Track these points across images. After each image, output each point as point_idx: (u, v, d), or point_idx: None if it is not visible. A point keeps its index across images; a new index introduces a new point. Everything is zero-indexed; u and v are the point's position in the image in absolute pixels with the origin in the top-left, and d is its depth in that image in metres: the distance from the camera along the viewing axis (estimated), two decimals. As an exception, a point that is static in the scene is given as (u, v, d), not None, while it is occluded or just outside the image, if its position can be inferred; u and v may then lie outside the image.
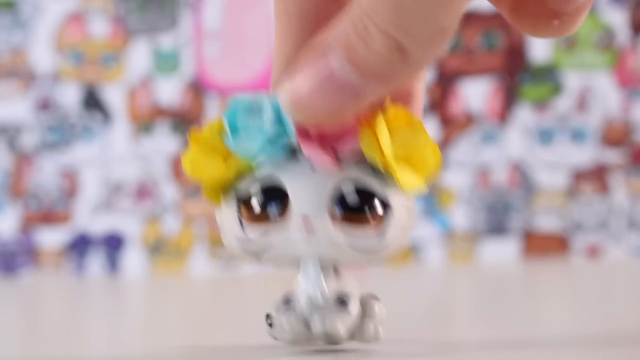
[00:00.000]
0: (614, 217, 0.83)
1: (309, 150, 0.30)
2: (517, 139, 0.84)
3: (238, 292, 0.65)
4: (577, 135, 0.84)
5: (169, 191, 0.84)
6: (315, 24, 0.30)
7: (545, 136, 0.84)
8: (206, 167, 0.31)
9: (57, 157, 0.84)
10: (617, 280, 0.64)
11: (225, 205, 0.31)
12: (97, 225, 0.84)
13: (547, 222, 0.83)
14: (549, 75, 0.84)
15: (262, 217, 0.30)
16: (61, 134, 0.84)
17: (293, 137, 0.30)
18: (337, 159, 0.30)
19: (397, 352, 0.32)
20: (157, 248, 0.84)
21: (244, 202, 0.31)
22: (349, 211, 0.30)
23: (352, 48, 0.27)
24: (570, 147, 0.84)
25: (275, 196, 0.30)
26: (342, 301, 0.31)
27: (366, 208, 0.30)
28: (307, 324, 0.31)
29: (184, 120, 0.84)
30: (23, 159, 0.84)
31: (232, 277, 0.78)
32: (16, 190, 0.84)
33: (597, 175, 0.84)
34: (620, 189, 0.84)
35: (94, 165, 0.84)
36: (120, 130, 0.84)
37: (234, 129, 0.30)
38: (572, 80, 0.84)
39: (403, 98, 0.32)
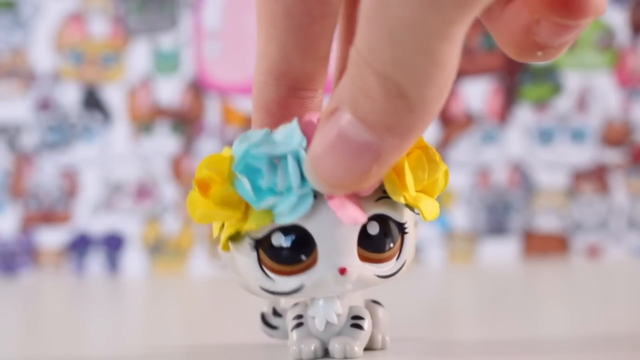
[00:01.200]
0: (613, 217, 0.83)
1: (337, 209, 0.29)
2: (517, 139, 0.84)
3: (237, 292, 0.65)
4: (577, 135, 0.84)
5: (169, 191, 0.84)
6: (300, 22, 0.30)
7: (545, 136, 0.84)
8: (220, 219, 0.30)
9: (57, 157, 0.84)
10: (617, 280, 0.64)
11: (237, 251, 0.30)
12: (97, 225, 0.84)
13: (547, 222, 0.83)
14: (548, 76, 0.84)
15: (291, 270, 0.30)
16: (61, 134, 0.84)
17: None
18: (360, 203, 0.29)
19: (398, 351, 0.32)
20: (157, 248, 0.84)
21: (266, 253, 0.30)
22: (374, 249, 0.30)
23: (357, 103, 0.26)
24: (570, 147, 0.84)
25: (303, 245, 0.29)
26: (356, 321, 0.31)
27: (389, 241, 0.30)
28: (322, 343, 0.31)
29: (184, 120, 0.84)
30: (23, 159, 0.84)
31: (231, 277, 0.78)
32: (16, 190, 0.84)
33: (597, 175, 0.84)
34: (620, 189, 0.84)
35: (94, 165, 0.84)
36: (120, 130, 0.84)
37: (258, 189, 0.29)
38: (572, 80, 0.84)
39: None
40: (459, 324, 0.43)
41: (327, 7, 0.30)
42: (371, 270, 0.30)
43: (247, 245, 0.30)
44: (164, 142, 0.84)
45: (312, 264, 0.30)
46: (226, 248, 0.30)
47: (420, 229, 0.32)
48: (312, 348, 0.31)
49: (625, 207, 0.83)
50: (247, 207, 0.29)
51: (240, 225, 0.29)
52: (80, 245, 0.84)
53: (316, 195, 0.29)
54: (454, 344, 0.35)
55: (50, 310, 0.61)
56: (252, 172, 0.29)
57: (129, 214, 0.84)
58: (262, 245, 0.30)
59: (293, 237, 0.29)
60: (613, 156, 0.84)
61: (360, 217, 0.29)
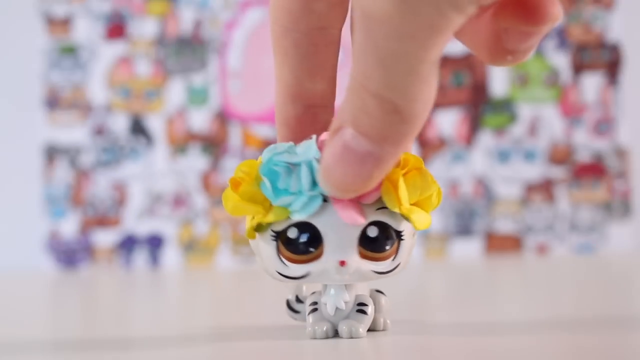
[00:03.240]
0: (558, 221, 0.83)
1: (342, 211, 0.29)
2: (480, 159, 0.84)
3: (255, 282, 0.65)
4: (529, 156, 0.84)
5: (199, 200, 0.84)
6: (307, 51, 0.30)
7: (503, 156, 0.84)
8: (247, 213, 0.30)
9: (109, 173, 0.84)
10: (561, 273, 0.64)
11: (262, 240, 0.30)
12: (142, 228, 0.84)
13: (504, 226, 0.83)
14: (506, 107, 0.84)
15: (301, 259, 0.30)
16: (113, 154, 0.84)
17: (327, 194, 0.29)
18: (362, 209, 0.30)
19: (386, 333, 0.32)
20: (190, 246, 0.84)
21: (284, 244, 0.30)
22: (373, 248, 0.30)
23: (357, 120, 0.26)
24: (523, 165, 0.84)
25: (312, 239, 0.30)
26: (361, 307, 0.31)
27: (386, 243, 0.30)
28: (333, 325, 0.31)
29: (212, 144, 0.84)
30: (82, 175, 0.84)
31: (250, 270, 0.78)
32: (76, 199, 0.84)
33: (545, 188, 0.84)
34: (563, 199, 0.84)
35: (139, 180, 0.84)
36: (160, 151, 0.84)
37: (276, 188, 0.29)
38: (525, 111, 0.84)
39: None
40: (434, 309, 0.43)
41: (328, 37, 0.30)
42: (368, 266, 0.30)
43: (269, 236, 0.30)
44: (196, 161, 0.84)
45: (318, 255, 0.30)
46: (251, 236, 0.31)
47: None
48: (324, 329, 0.31)
49: (567, 213, 0.83)
50: (270, 204, 0.30)
51: (262, 218, 0.30)
52: (128, 244, 0.84)
53: (326, 199, 0.29)
54: (431, 325, 0.35)
55: (104, 298, 0.61)
56: (273, 175, 0.29)
57: (167, 219, 0.84)
58: (281, 237, 0.30)
59: (305, 232, 0.30)
60: (558, 172, 0.84)
61: (359, 219, 0.29)
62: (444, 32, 0.24)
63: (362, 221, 0.29)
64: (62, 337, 0.36)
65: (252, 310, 0.46)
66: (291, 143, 0.30)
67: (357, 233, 0.30)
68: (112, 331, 0.38)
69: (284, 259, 0.30)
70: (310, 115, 0.31)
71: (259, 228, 0.30)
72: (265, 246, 0.30)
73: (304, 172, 0.29)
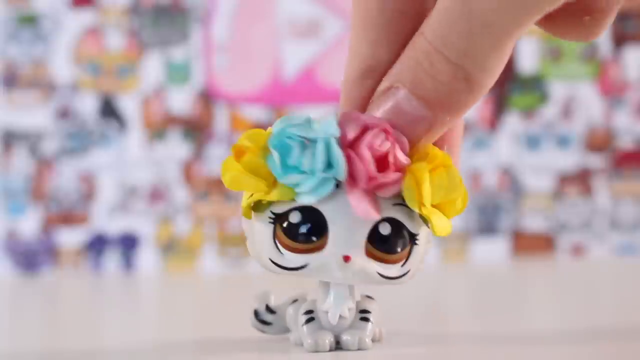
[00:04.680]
0: (597, 217, 0.83)
1: (354, 201, 0.29)
2: (506, 145, 0.84)
3: (245, 289, 0.65)
4: (562, 142, 0.84)
5: (180, 194, 0.84)
6: (391, 17, 0.30)
7: (532, 142, 0.84)
8: (246, 186, 0.30)
9: (75, 162, 0.84)
10: (599, 277, 0.64)
11: (257, 221, 0.30)
12: (113, 225, 0.84)
13: (534, 223, 0.83)
14: (536, 85, 0.84)
15: (300, 248, 0.30)
16: (79, 140, 0.84)
17: (341, 178, 0.29)
18: (378, 203, 0.30)
19: (397, 343, 0.32)
20: (170, 247, 0.84)
21: (282, 228, 0.30)
22: (383, 248, 0.30)
23: (419, 83, 0.29)
24: (555, 152, 0.84)
25: (316, 228, 0.30)
26: (364, 314, 0.31)
27: (398, 244, 0.30)
28: (335, 336, 0.31)
29: (194, 128, 0.84)
30: (44, 164, 0.84)
31: (239, 275, 0.78)
32: (37, 193, 0.84)
33: (581, 179, 0.84)
34: (603, 192, 0.84)
35: (110, 170, 0.84)
36: (134, 137, 0.84)
37: (285, 164, 0.29)
38: (558, 90, 0.84)
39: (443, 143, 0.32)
40: (452, 319, 0.43)
41: (417, 4, 0.31)
42: (375, 267, 0.30)
43: (266, 217, 0.30)
44: (176, 148, 0.84)
45: (321, 246, 0.30)
46: (247, 215, 0.31)
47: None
48: (327, 341, 0.31)
49: (607, 209, 0.83)
50: (275, 181, 0.30)
51: (264, 195, 0.30)
52: (97, 244, 0.84)
53: (339, 184, 0.29)
54: (448, 336, 0.35)
55: (69, 306, 0.61)
56: (284, 149, 0.29)
57: (143, 215, 0.84)
58: (280, 220, 0.30)
59: (308, 218, 0.30)
60: (596, 161, 0.84)
61: (373, 213, 0.29)
62: (538, 13, 0.27)
63: (376, 216, 0.29)
64: (21, 352, 0.36)
65: (240, 321, 0.46)
66: (310, 116, 0.30)
67: (367, 228, 0.30)
68: (78, 345, 0.38)
69: (280, 246, 0.30)
70: None
71: (257, 207, 0.30)
72: (260, 228, 0.30)
73: (320, 149, 0.29)
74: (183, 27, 0.85)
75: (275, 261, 0.30)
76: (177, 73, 0.85)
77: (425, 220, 0.30)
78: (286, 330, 0.34)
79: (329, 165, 0.29)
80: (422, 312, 0.46)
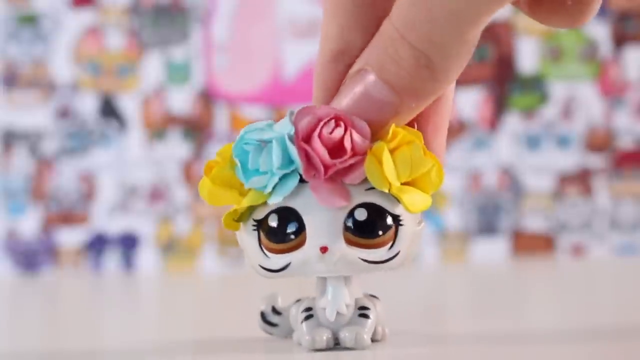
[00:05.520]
0: (597, 218, 0.83)
1: (316, 192, 0.29)
2: (506, 145, 0.84)
3: (245, 288, 0.65)
4: (563, 142, 0.84)
5: (180, 194, 0.84)
6: (362, 3, 0.31)
7: (532, 142, 0.84)
8: (223, 199, 0.31)
9: (75, 162, 0.84)
10: (599, 277, 0.64)
11: (244, 231, 0.31)
12: (113, 225, 0.84)
13: (534, 223, 0.83)
14: (536, 85, 0.84)
15: (281, 248, 0.30)
16: (79, 140, 0.84)
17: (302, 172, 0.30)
18: (346, 189, 0.30)
19: (398, 343, 0.32)
20: (170, 247, 0.84)
21: (264, 233, 0.30)
22: (362, 234, 0.30)
23: (384, 68, 0.29)
24: (555, 152, 0.84)
25: (292, 226, 0.30)
26: (363, 311, 0.31)
27: (378, 228, 0.30)
28: (333, 333, 0.31)
29: (194, 128, 0.84)
30: (44, 164, 0.84)
31: (239, 275, 0.78)
32: (37, 192, 0.84)
33: (581, 179, 0.84)
34: (603, 192, 0.84)
35: (110, 170, 0.84)
36: (134, 136, 0.84)
37: (246, 169, 0.30)
38: (558, 90, 0.84)
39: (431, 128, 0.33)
40: (452, 318, 0.43)
41: None
42: (357, 254, 0.30)
43: (250, 226, 0.31)
44: (176, 148, 0.84)
45: (300, 244, 0.30)
46: (228, 226, 0.31)
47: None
48: (324, 338, 0.31)
49: (607, 209, 0.83)
50: (247, 189, 0.30)
51: (238, 204, 0.30)
52: (97, 244, 0.84)
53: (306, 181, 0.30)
54: (448, 336, 0.35)
55: (69, 306, 0.61)
56: (244, 155, 0.30)
57: (143, 215, 0.84)
58: (262, 226, 0.31)
59: (284, 217, 0.30)
60: (596, 161, 0.83)
61: (338, 201, 0.29)
62: (501, 3, 0.28)
63: (343, 203, 0.30)
64: (21, 352, 0.36)
65: (240, 321, 0.46)
66: (271, 120, 0.31)
67: (342, 217, 0.30)
68: (78, 345, 0.38)
69: (265, 250, 0.30)
70: None
71: (241, 217, 0.31)
72: (247, 238, 0.31)
73: (275, 148, 0.30)
74: (183, 27, 0.85)
75: (263, 266, 0.31)
76: (177, 73, 0.85)
77: (396, 198, 0.30)
78: (292, 332, 0.34)
79: (290, 162, 0.30)
80: (422, 311, 0.46)
